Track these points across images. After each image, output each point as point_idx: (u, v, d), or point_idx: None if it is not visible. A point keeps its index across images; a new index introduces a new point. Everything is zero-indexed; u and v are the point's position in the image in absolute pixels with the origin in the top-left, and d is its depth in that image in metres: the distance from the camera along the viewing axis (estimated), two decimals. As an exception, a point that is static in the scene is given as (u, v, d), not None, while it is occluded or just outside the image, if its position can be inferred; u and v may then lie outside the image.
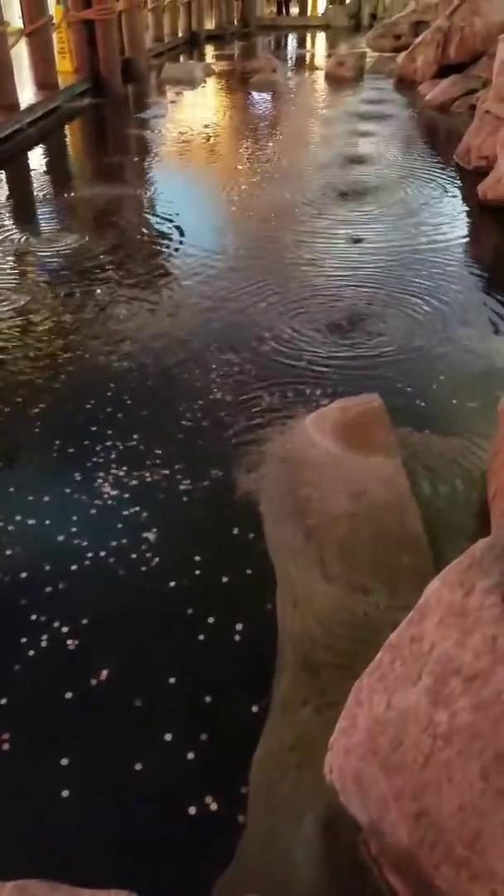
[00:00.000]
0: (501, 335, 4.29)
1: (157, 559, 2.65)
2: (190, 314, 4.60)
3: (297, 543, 2.67)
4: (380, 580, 2.49)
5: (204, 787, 1.90)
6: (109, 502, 2.92)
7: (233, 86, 14.86)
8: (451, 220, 6.32)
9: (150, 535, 2.75)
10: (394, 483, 2.92)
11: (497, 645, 1.39)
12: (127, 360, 4.03)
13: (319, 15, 31.43)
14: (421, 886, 1.52)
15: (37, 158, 9.23)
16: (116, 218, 6.58)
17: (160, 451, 3.22)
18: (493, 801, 1.36)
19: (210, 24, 24.99)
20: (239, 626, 2.37)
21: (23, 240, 5.96)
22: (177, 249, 5.73)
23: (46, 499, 2.95)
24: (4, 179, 8.10)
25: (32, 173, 8.59)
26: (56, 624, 2.38)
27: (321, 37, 26.40)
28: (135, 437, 3.32)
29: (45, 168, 8.85)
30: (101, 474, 3.08)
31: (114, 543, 2.72)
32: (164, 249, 5.74)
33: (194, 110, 12.22)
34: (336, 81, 14.76)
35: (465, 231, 6.16)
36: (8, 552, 2.69)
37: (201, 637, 2.34)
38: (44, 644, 2.31)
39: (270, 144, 9.49)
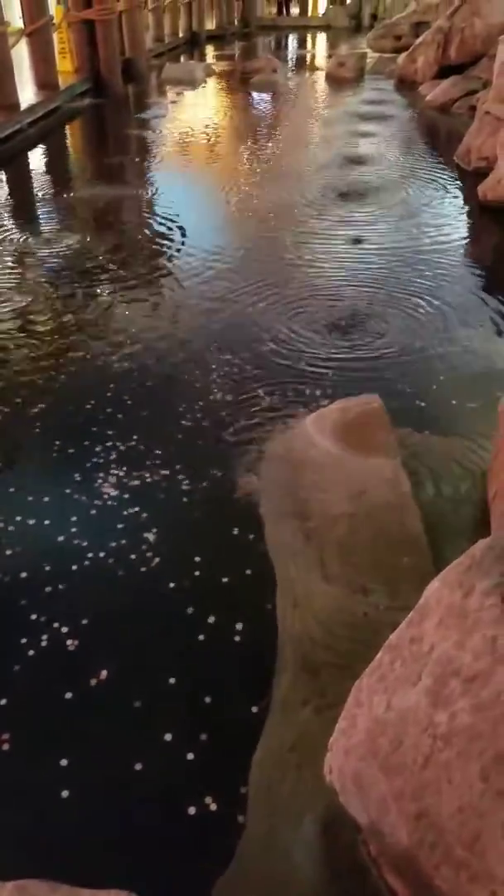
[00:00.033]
0: (501, 336, 4.29)
1: (157, 559, 2.65)
2: (190, 314, 4.60)
3: (297, 544, 2.67)
4: (380, 581, 2.49)
5: (204, 788, 1.90)
6: (109, 502, 2.93)
7: (233, 86, 14.86)
8: (451, 220, 6.32)
9: (150, 536, 2.75)
10: (394, 484, 2.92)
11: (497, 646, 1.40)
12: (127, 360, 4.03)
13: (320, 15, 31.43)
14: (420, 887, 1.52)
15: (37, 158, 9.23)
16: (117, 218, 6.58)
17: (160, 452, 3.22)
18: (493, 802, 1.36)
19: (210, 25, 24.99)
20: (239, 627, 2.37)
21: (23, 240, 5.96)
22: (177, 250, 5.73)
23: (46, 499, 2.96)
24: (5, 180, 8.10)
25: (33, 173, 8.59)
26: (56, 624, 2.38)
27: (322, 37, 26.40)
28: (135, 437, 3.32)
29: (45, 168, 8.85)
30: (101, 474, 3.08)
31: (114, 544, 2.72)
32: (164, 250, 5.74)
33: (195, 110, 12.23)
34: (336, 82, 14.77)
35: (465, 232, 6.16)
36: (8, 552, 2.69)
37: (201, 637, 2.34)
38: (44, 644, 2.31)
39: (271, 145, 9.49)
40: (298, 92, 14.55)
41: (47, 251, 5.70)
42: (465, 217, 6.50)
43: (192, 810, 1.85)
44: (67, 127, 11.01)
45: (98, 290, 4.95)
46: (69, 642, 2.32)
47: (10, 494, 3.00)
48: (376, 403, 3.23)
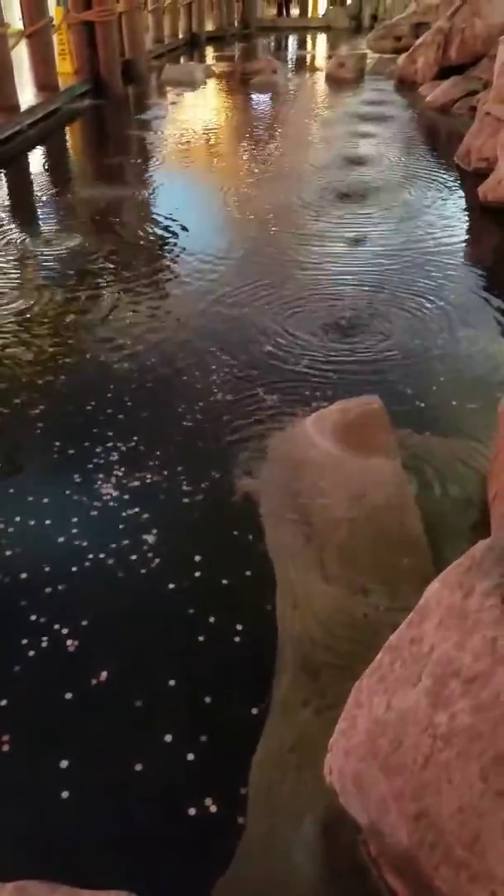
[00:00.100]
0: (502, 336, 4.29)
1: (157, 560, 2.65)
2: (190, 315, 4.61)
3: (297, 544, 2.67)
4: (380, 581, 2.49)
5: (204, 789, 1.90)
6: (109, 503, 2.93)
7: (233, 87, 14.88)
8: (451, 221, 6.32)
9: (150, 537, 2.75)
10: (394, 485, 2.92)
11: (497, 647, 1.40)
12: (127, 360, 4.03)
13: (320, 16, 31.44)
14: (420, 887, 1.52)
15: (37, 160, 9.24)
16: (117, 219, 6.58)
17: (160, 452, 3.23)
18: (493, 803, 1.36)
19: (210, 26, 25.01)
20: (239, 627, 2.37)
21: (23, 241, 5.96)
22: (177, 251, 5.73)
23: (46, 500, 2.96)
24: (5, 181, 8.11)
25: (33, 175, 8.60)
26: (56, 625, 2.38)
27: (322, 38, 26.42)
28: (135, 438, 3.32)
29: (45, 169, 8.86)
30: (102, 475, 3.08)
31: (114, 544, 2.72)
32: (164, 251, 5.74)
33: (195, 112, 12.23)
34: (336, 83, 14.78)
35: (465, 233, 6.16)
36: (8, 553, 2.69)
37: (201, 638, 2.34)
38: (44, 645, 2.31)
39: (271, 145, 9.50)
40: (298, 93, 14.56)
41: (47, 252, 5.71)
42: (465, 218, 6.50)
43: (192, 811, 1.85)
44: (67, 128, 11.02)
45: (98, 291, 4.95)
46: (69, 643, 2.32)
47: (10, 495, 3.00)
48: (376, 404, 3.23)
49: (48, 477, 3.12)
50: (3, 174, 8.30)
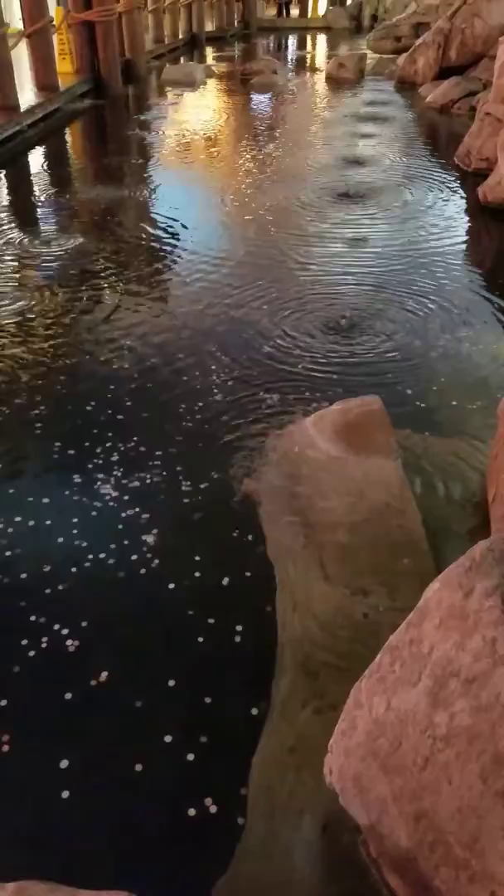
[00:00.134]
0: (501, 336, 4.30)
1: (156, 561, 2.65)
2: (190, 316, 4.61)
3: (297, 545, 2.67)
4: (379, 582, 2.49)
5: (204, 789, 1.90)
6: (109, 504, 2.93)
7: (233, 87, 14.87)
8: (451, 221, 6.32)
9: (150, 538, 2.75)
10: (394, 485, 2.92)
11: (496, 647, 1.40)
12: (127, 361, 4.03)
13: (320, 16, 31.43)
14: (420, 888, 1.53)
15: (37, 160, 9.24)
16: (117, 220, 6.58)
17: (160, 453, 3.23)
18: (492, 803, 1.36)
19: (210, 26, 25.01)
20: (239, 628, 2.37)
21: (23, 241, 5.96)
22: (177, 251, 5.73)
23: (46, 500, 2.96)
24: (4, 181, 8.11)
25: (33, 175, 8.59)
26: (56, 625, 2.38)
27: (322, 38, 26.42)
28: (135, 438, 3.32)
29: (45, 170, 8.85)
30: (102, 476, 3.08)
31: (114, 545, 2.72)
32: (164, 251, 5.74)
33: (195, 112, 12.23)
34: (337, 83, 14.78)
35: (465, 233, 6.17)
36: (8, 553, 2.69)
37: (201, 639, 2.34)
38: (44, 645, 2.31)
39: (271, 146, 9.50)
40: (298, 93, 14.56)
41: (47, 252, 5.71)
42: (465, 218, 6.50)
43: (192, 811, 1.85)
44: (67, 128, 11.02)
45: (98, 292, 4.95)
46: (69, 643, 2.32)
47: (10, 495, 3.01)
48: (376, 404, 3.23)
49: (48, 477, 3.12)
50: (3, 174, 8.30)
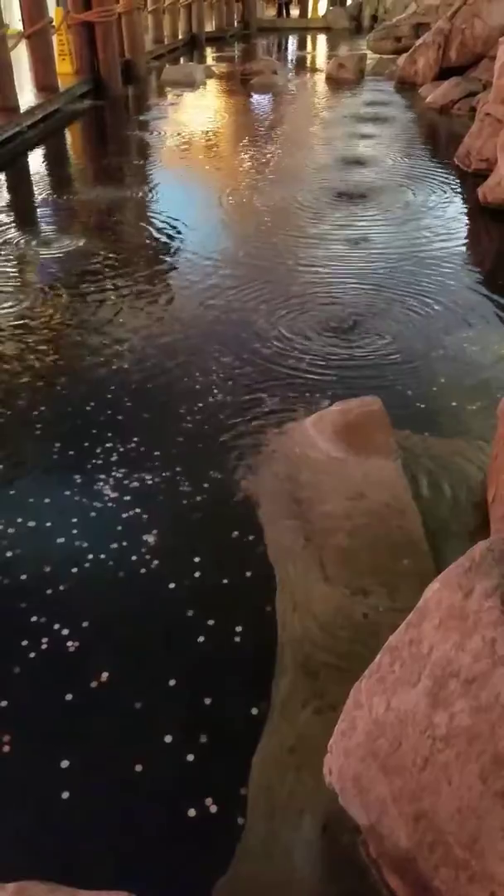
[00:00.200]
0: (501, 337, 4.30)
1: (156, 561, 2.65)
2: (190, 316, 4.61)
3: (297, 545, 2.67)
4: (379, 582, 2.49)
5: (204, 789, 1.90)
6: (109, 504, 2.93)
7: (233, 88, 14.88)
8: (451, 222, 6.32)
9: (150, 538, 2.75)
10: (393, 485, 2.93)
11: (496, 648, 1.40)
12: (127, 362, 4.04)
13: (320, 17, 31.43)
14: (420, 888, 1.53)
15: (37, 161, 9.24)
16: (116, 220, 6.59)
17: (160, 454, 3.23)
18: (492, 804, 1.36)
19: (210, 26, 25.01)
20: (239, 629, 2.37)
21: (23, 242, 5.96)
22: (177, 252, 5.74)
23: (47, 501, 2.96)
24: (4, 182, 8.11)
25: (32, 176, 8.60)
26: (56, 626, 2.38)
27: (322, 39, 26.42)
28: (135, 439, 3.33)
29: (45, 170, 8.86)
30: (101, 476, 3.08)
31: (114, 545, 2.72)
32: (164, 252, 5.75)
33: (194, 112, 12.24)
34: (337, 83, 14.78)
35: (465, 233, 6.17)
36: (8, 554, 2.69)
37: (201, 639, 2.34)
38: (44, 646, 2.32)
39: (271, 147, 9.50)
40: (298, 94, 14.57)
41: (47, 253, 5.71)
42: (465, 219, 6.51)
43: (192, 812, 1.86)
44: (67, 129, 11.02)
45: (98, 292, 4.95)
46: (69, 644, 2.32)
47: (10, 496, 3.01)
48: (376, 405, 3.24)
49: (48, 478, 3.12)
50: (3, 175, 8.30)
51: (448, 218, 6.43)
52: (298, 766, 1.94)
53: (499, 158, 6.44)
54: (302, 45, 25.38)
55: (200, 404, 3.61)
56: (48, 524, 2.84)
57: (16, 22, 13.06)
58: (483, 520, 2.74)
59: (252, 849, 1.77)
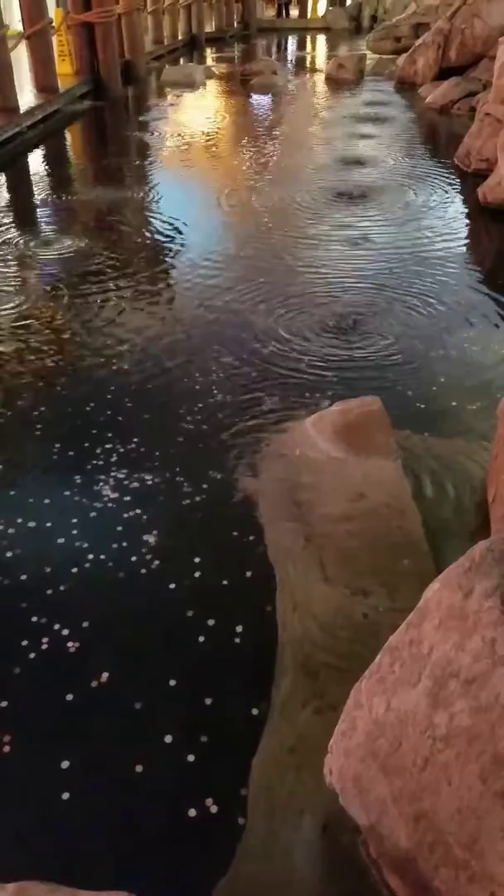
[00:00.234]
0: (501, 337, 4.30)
1: (156, 561, 2.65)
2: (190, 317, 4.61)
3: (297, 545, 2.67)
4: (379, 582, 2.49)
5: (204, 789, 1.91)
6: (109, 505, 2.93)
7: (233, 88, 14.87)
8: (451, 222, 6.32)
9: (150, 538, 2.76)
10: (393, 485, 2.93)
11: (496, 648, 1.40)
12: (127, 362, 4.04)
13: (319, 17, 31.41)
14: (420, 888, 1.53)
15: (37, 161, 9.25)
16: (116, 221, 6.59)
17: (160, 454, 3.23)
18: (492, 804, 1.36)
19: (210, 27, 25.01)
20: (239, 629, 2.37)
21: (22, 243, 5.97)
22: (177, 253, 5.74)
23: (47, 501, 2.96)
24: (4, 183, 8.12)
25: (32, 176, 8.60)
26: (56, 626, 2.38)
27: (321, 39, 26.41)
28: (135, 439, 3.33)
29: (45, 171, 8.86)
30: (101, 477, 3.09)
31: (114, 546, 2.72)
32: (164, 253, 5.75)
33: (194, 113, 12.24)
34: (336, 84, 14.78)
35: (465, 233, 6.17)
36: (8, 554, 2.69)
37: (201, 639, 2.34)
38: (45, 646, 2.32)
39: (270, 147, 9.50)
40: (298, 94, 14.56)
41: (47, 254, 5.71)
42: (465, 219, 6.51)
43: (192, 812, 1.86)
44: (67, 130, 11.02)
45: (98, 293, 4.95)
46: (70, 644, 2.32)
47: (10, 496, 3.01)
48: (376, 405, 3.24)
49: (48, 478, 3.12)
50: (3, 176, 8.30)
51: (448, 218, 6.43)
52: (298, 766, 1.94)
53: (499, 158, 6.45)
54: (301, 46, 25.37)
55: (200, 404, 3.61)
56: (48, 524, 2.84)
57: (16, 23, 13.06)
58: (483, 520, 2.74)
59: (252, 849, 1.77)
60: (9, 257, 5.65)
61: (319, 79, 15.93)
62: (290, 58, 22.34)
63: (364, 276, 5.17)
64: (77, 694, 2.17)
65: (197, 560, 2.65)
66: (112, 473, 3.10)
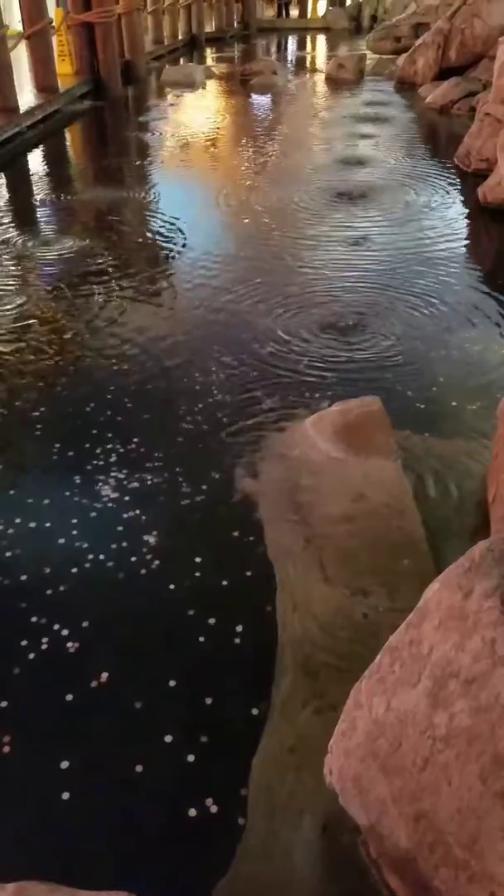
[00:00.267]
0: (501, 337, 4.30)
1: (156, 562, 2.65)
2: (190, 317, 4.61)
3: (297, 546, 2.68)
4: (379, 582, 2.49)
5: (204, 789, 1.91)
6: (109, 505, 2.93)
7: (233, 88, 14.87)
8: (451, 222, 6.32)
9: (150, 538, 2.76)
10: (393, 486, 2.93)
11: (495, 648, 1.40)
12: (127, 362, 4.04)
13: (319, 17, 31.38)
14: (420, 888, 1.53)
15: (37, 161, 9.25)
16: (116, 221, 6.59)
17: (160, 454, 3.23)
18: (492, 804, 1.36)
19: (210, 27, 25.00)
20: (239, 629, 2.37)
21: (22, 243, 5.97)
22: (177, 253, 5.74)
23: (46, 501, 2.96)
24: (4, 183, 8.12)
25: (32, 176, 8.60)
26: (56, 626, 2.38)
27: (321, 39, 26.41)
28: (135, 440, 3.33)
29: (44, 171, 8.86)
30: (101, 477, 3.09)
31: (114, 546, 2.72)
32: (164, 253, 5.75)
33: (194, 113, 12.24)
34: (336, 84, 14.77)
35: (465, 233, 6.17)
36: (8, 554, 2.69)
37: (201, 639, 2.34)
38: (44, 647, 2.32)
39: (270, 147, 9.50)
40: (298, 94, 14.56)
41: (46, 254, 5.71)
42: (464, 219, 6.50)
43: (192, 812, 1.86)
44: (67, 130, 11.02)
45: (98, 293, 4.96)
46: (70, 644, 2.33)
47: (10, 497, 3.01)
48: (376, 405, 3.24)
49: (48, 478, 3.12)
50: (3, 176, 8.30)
51: (448, 218, 6.43)
52: (298, 766, 1.95)
53: (499, 158, 6.45)
54: (301, 46, 25.35)
55: (200, 405, 3.61)
56: (48, 524, 2.84)
57: (15, 23, 13.06)
58: (483, 520, 2.74)
59: (252, 849, 1.77)
60: (9, 257, 5.65)
61: (319, 79, 15.93)
62: (290, 58, 22.34)
63: (364, 275, 5.17)
64: (77, 694, 2.17)
65: (197, 560, 2.66)
66: (112, 473, 3.10)
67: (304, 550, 2.64)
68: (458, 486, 2.99)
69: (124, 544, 2.73)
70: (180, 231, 6.20)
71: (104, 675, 2.22)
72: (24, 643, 2.32)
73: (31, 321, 4.57)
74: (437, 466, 3.10)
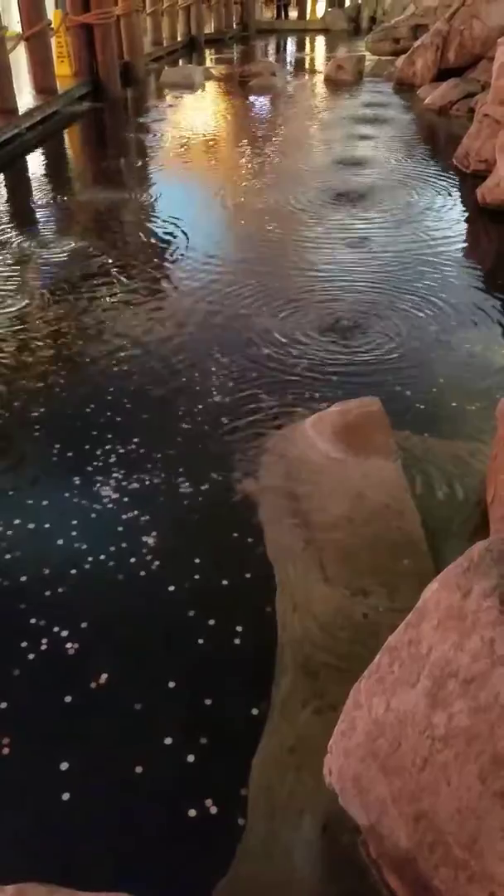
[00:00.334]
0: (500, 337, 4.30)
1: (156, 563, 2.65)
2: (190, 318, 4.61)
3: (297, 546, 2.68)
4: (379, 583, 2.49)
5: (204, 790, 1.91)
6: (109, 506, 2.93)
7: (232, 90, 14.88)
8: (450, 223, 6.33)
9: (150, 539, 2.76)
10: (393, 486, 2.93)
11: (494, 648, 1.40)
12: (126, 363, 4.04)
13: (318, 18, 31.39)
14: (420, 888, 1.53)
15: (36, 163, 9.25)
16: (115, 222, 6.60)
17: (160, 455, 3.23)
18: (491, 804, 1.36)
19: (209, 28, 25.01)
20: (239, 629, 2.37)
21: (21, 244, 5.97)
22: (176, 254, 5.74)
23: (46, 502, 2.96)
24: (3, 184, 8.12)
25: (31, 178, 8.60)
26: (56, 627, 2.38)
27: (320, 40, 26.42)
28: (135, 440, 3.33)
29: (44, 172, 8.87)
30: (101, 478, 3.09)
31: (113, 547, 2.72)
32: (163, 254, 5.75)
33: (193, 114, 12.25)
34: (335, 85, 14.79)
35: (463, 234, 6.17)
36: (7, 556, 2.69)
37: (201, 640, 2.34)
38: (44, 648, 2.32)
39: (269, 148, 9.51)
40: (297, 95, 14.57)
41: (45, 255, 5.71)
42: (463, 220, 6.51)
43: (192, 812, 1.86)
44: (66, 131, 11.03)
45: (97, 294, 4.96)
46: (69, 645, 2.32)
47: (9, 497, 3.01)
48: (375, 406, 3.24)
49: (48, 479, 3.12)
50: (2, 177, 8.31)
51: (447, 219, 6.44)
52: (298, 766, 1.95)
53: (497, 159, 6.45)
54: (300, 47, 25.36)
55: (200, 405, 3.61)
56: (47, 525, 2.84)
57: (14, 24, 13.09)
58: (482, 520, 2.75)
59: (252, 849, 1.77)
60: (8, 258, 5.65)
61: (318, 80, 15.94)
62: (289, 59, 22.35)
63: (363, 276, 5.17)
64: (76, 695, 2.17)
65: (197, 561, 2.66)
66: (112, 474, 3.11)
67: (304, 551, 2.64)
68: (457, 486, 2.99)
69: (124, 545, 2.73)
70: (180, 232, 6.20)
71: (104, 676, 2.22)
72: (23, 644, 2.32)
73: (30, 322, 4.58)
74: (436, 467, 3.10)
